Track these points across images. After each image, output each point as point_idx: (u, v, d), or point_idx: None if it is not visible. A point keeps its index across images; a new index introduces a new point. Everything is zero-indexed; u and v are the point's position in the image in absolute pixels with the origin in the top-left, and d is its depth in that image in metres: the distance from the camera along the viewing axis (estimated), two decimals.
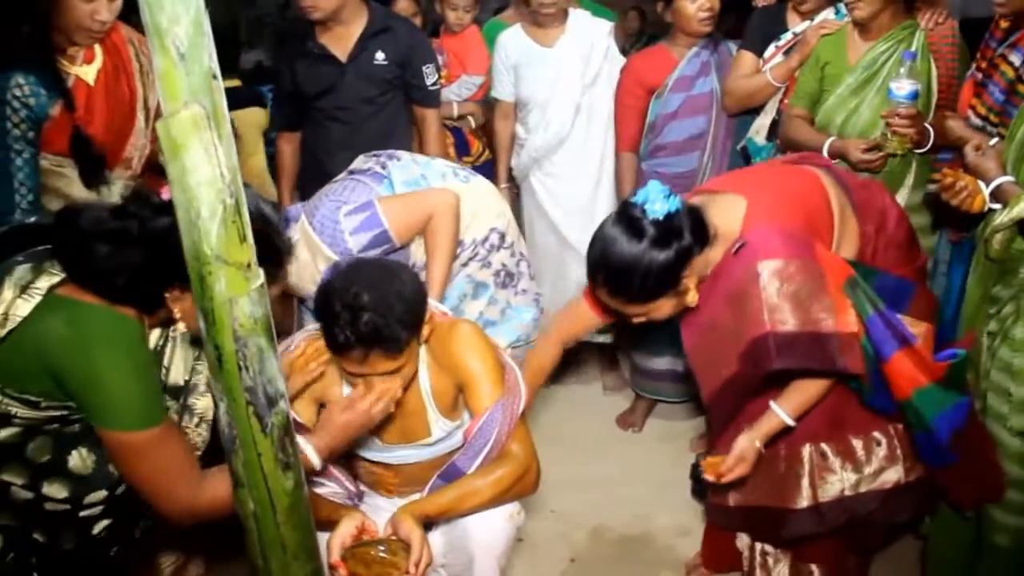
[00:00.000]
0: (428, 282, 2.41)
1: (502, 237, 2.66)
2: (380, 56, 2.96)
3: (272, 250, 1.62)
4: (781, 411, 1.97)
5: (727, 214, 1.92)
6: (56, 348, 1.46)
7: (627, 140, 3.10)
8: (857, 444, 2.07)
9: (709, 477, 1.99)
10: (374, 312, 1.71)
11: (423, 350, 1.97)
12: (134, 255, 1.50)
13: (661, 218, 1.81)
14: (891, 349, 1.87)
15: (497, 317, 2.70)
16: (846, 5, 2.54)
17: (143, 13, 0.89)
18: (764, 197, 1.94)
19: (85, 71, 2.36)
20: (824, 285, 1.82)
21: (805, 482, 2.08)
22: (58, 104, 2.28)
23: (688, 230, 1.84)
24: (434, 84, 3.10)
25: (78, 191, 2.38)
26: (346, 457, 2.11)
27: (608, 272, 1.88)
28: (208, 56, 0.91)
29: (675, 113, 3.03)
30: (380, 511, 2.01)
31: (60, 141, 2.31)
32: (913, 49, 2.46)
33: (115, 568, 1.77)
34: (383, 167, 2.54)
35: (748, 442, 1.97)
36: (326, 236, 2.34)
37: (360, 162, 2.62)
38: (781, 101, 2.86)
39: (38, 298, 1.49)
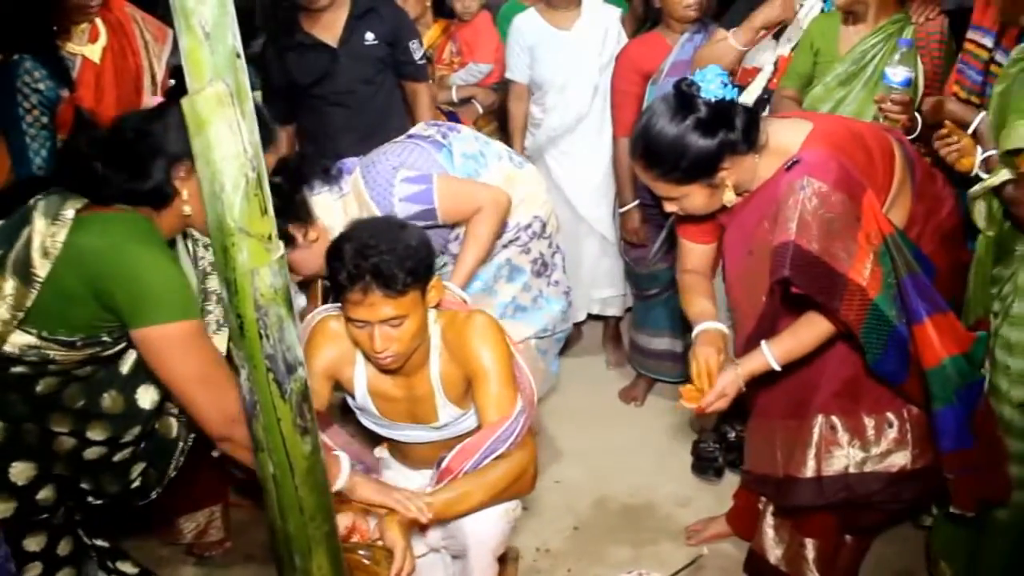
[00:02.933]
0: (455, 269, 2.46)
1: (543, 226, 2.70)
2: (370, 36, 2.97)
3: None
4: (769, 352, 1.96)
5: (789, 132, 1.93)
6: (94, 259, 1.54)
7: (624, 125, 3.10)
8: (869, 423, 2.07)
9: (689, 406, 2.00)
10: (375, 249, 1.78)
11: (437, 336, 1.99)
12: (134, 150, 1.59)
13: (713, 100, 1.83)
14: (924, 312, 1.87)
15: (528, 304, 2.72)
16: None
17: None
18: (832, 127, 1.96)
19: (91, 50, 2.41)
20: (855, 230, 1.83)
21: (811, 452, 2.09)
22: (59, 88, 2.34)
23: (739, 123, 1.85)
24: (421, 58, 3.13)
25: None
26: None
27: (647, 143, 1.89)
28: (232, 35, 0.95)
29: None
30: (409, 483, 2.07)
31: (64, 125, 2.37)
32: (911, 40, 2.47)
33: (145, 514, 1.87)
34: (444, 137, 2.57)
35: (732, 378, 1.97)
36: (376, 194, 2.36)
37: (421, 128, 2.65)
38: (770, 80, 2.87)
39: (69, 223, 1.55)
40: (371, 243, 1.79)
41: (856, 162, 1.89)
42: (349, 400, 2.13)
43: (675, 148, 1.85)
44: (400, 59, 3.07)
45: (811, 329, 1.95)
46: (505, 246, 2.64)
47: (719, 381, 1.97)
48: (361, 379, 2.02)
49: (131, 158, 1.60)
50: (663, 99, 1.92)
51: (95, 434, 1.72)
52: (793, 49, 2.78)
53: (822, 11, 2.73)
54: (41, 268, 1.53)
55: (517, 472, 1.98)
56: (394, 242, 1.81)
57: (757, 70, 2.78)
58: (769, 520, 2.33)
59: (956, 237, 2.14)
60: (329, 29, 2.96)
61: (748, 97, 2.91)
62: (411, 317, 1.85)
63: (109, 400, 1.71)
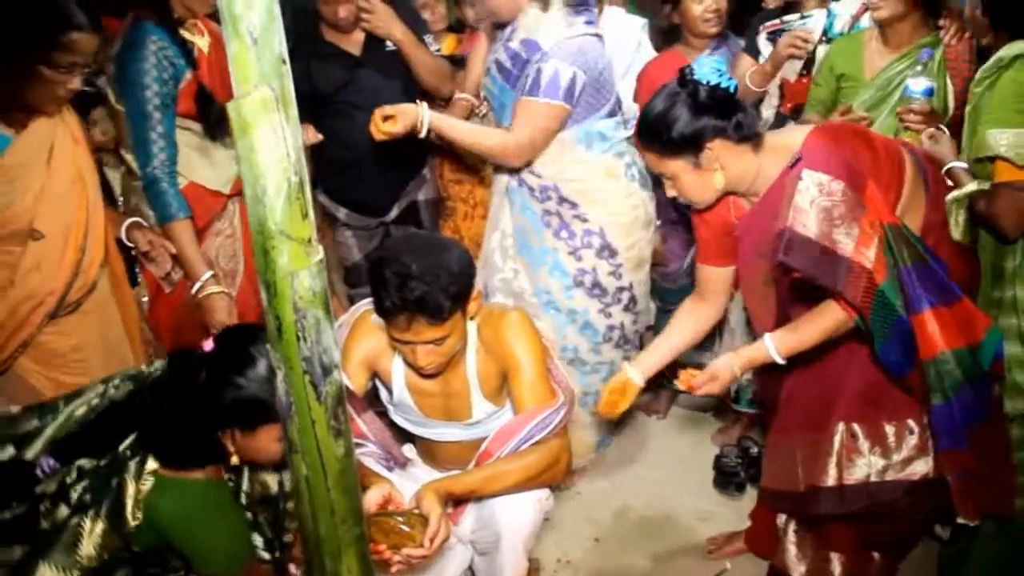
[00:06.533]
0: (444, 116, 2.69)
1: (613, 253, 2.75)
2: (390, 43, 2.98)
3: None
4: (771, 344, 1.99)
5: (792, 134, 2.01)
6: (170, 526, 1.73)
7: None
8: (889, 430, 2.08)
9: (682, 386, 2.09)
10: (420, 280, 1.78)
11: (473, 333, 2.02)
12: (189, 418, 1.70)
13: (706, 83, 1.93)
14: (927, 303, 1.88)
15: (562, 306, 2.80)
16: (870, 2, 2.53)
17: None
18: (837, 128, 2.03)
19: (201, 41, 2.47)
20: (859, 216, 1.85)
21: (833, 460, 2.10)
22: (188, 68, 2.39)
23: (729, 110, 1.95)
24: (437, 50, 3.17)
25: (202, 147, 2.51)
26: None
27: (643, 116, 2.04)
28: (279, 42, 0.96)
29: None
30: (419, 483, 2.07)
31: (185, 103, 2.42)
32: (931, 51, 2.47)
33: None
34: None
35: (726, 364, 2.04)
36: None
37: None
38: (779, 105, 2.88)
39: (151, 482, 1.72)
40: (414, 272, 1.79)
41: (859, 156, 1.92)
42: (384, 396, 2.16)
43: (663, 119, 1.97)
44: None
45: (815, 322, 1.96)
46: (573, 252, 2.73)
47: (711, 365, 2.06)
48: (399, 373, 2.06)
49: (188, 425, 1.71)
50: (667, 84, 2.04)
51: None
52: (801, 74, 2.79)
53: (840, 34, 2.73)
54: (130, 522, 1.70)
55: (552, 458, 2.01)
56: (437, 268, 1.81)
57: (801, 82, 2.79)
58: (791, 536, 2.32)
59: (968, 248, 2.15)
60: (350, 38, 2.99)
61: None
62: (454, 334, 1.88)
63: None
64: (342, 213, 3.18)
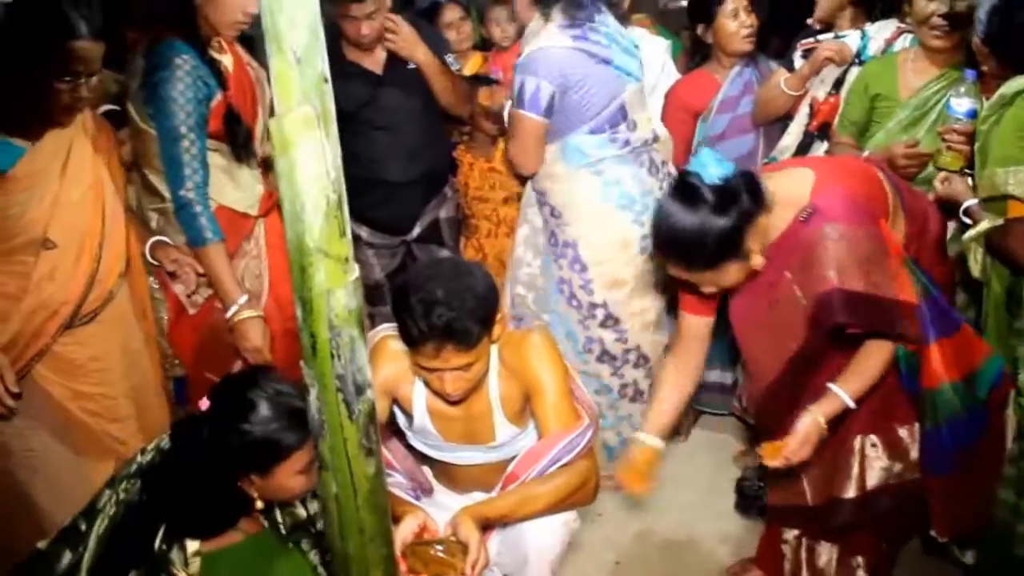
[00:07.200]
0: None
1: (584, 268, 2.83)
2: (412, 62, 3.00)
3: None
4: (843, 392, 1.96)
5: (794, 183, 1.98)
6: None
7: (674, 163, 3.12)
8: (903, 433, 2.11)
9: (774, 463, 1.97)
10: (447, 306, 1.76)
11: (494, 355, 2.01)
12: (206, 479, 1.68)
13: (718, 183, 1.86)
14: (932, 335, 1.92)
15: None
16: (928, 30, 2.49)
17: (263, 17, 0.94)
18: (831, 169, 2.02)
19: (226, 60, 2.45)
20: (887, 254, 1.88)
21: (855, 471, 2.11)
22: (218, 88, 2.37)
23: (745, 193, 1.89)
24: (458, 70, 3.19)
25: (228, 169, 2.47)
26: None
27: (673, 243, 1.94)
28: (321, 60, 0.97)
29: (723, 134, 3.05)
30: (443, 509, 2.06)
31: (215, 123, 2.38)
32: (974, 72, 2.46)
33: None
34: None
35: (812, 421, 1.95)
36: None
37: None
38: (807, 124, 2.87)
39: (197, 563, 1.70)
40: (440, 298, 1.78)
41: (865, 194, 1.96)
42: (402, 422, 2.15)
43: (699, 238, 1.88)
44: None
45: (874, 362, 1.97)
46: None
47: (799, 428, 1.96)
48: (420, 398, 2.04)
49: (201, 492, 1.70)
50: (670, 195, 1.95)
51: None
52: (830, 93, 2.78)
53: (873, 57, 2.73)
54: None
55: (581, 480, 2.00)
56: (463, 293, 1.80)
57: (829, 102, 2.78)
58: (803, 554, 2.33)
59: (944, 248, 2.23)
60: (372, 57, 3.00)
61: (787, 140, 2.92)
62: (480, 359, 1.88)
63: None
64: (364, 232, 3.18)
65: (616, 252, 2.79)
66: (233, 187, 2.46)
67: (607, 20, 2.75)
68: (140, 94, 2.34)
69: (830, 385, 1.99)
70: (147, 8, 2.47)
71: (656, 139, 2.86)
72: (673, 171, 2.85)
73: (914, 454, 2.10)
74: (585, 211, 2.77)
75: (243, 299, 2.36)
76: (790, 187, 1.97)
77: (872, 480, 2.11)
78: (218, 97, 2.36)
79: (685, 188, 1.90)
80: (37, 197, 2.08)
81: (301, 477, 1.69)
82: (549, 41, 2.65)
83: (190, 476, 1.68)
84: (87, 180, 2.17)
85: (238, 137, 2.42)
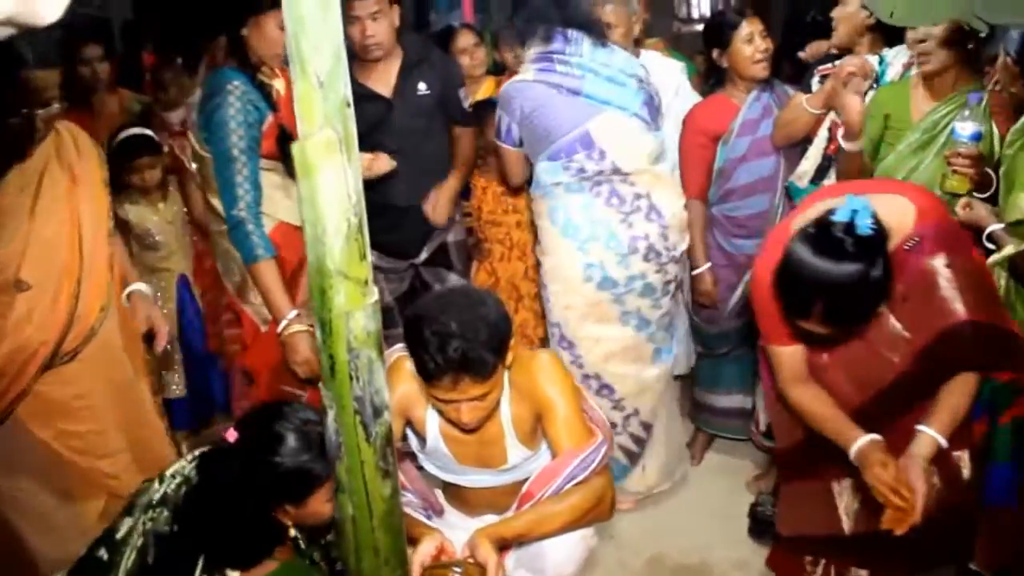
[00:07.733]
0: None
1: (544, 286, 2.92)
2: (422, 86, 3.02)
3: None
4: (936, 434, 1.90)
5: (896, 212, 1.89)
6: None
7: (694, 187, 3.11)
8: (956, 456, 2.03)
9: (902, 530, 1.87)
10: (462, 338, 1.75)
11: (505, 378, 2.01)
12: (242, 512, 1.68)
13: (869, 232, 1.76)
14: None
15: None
16: (916, 56, 2.52)
17: (288, 42, 0.96)
18: (923, 196, 1.95)
19: (278, 83, 2.52)
20: (994, 287, 1.89)
21: None
22: (269, 110, 2.45)
23: (878, 235, 1.79)
24: (468, 106, 3.22)
25: (284, 185, 2.55)
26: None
27: (830, 300, 1.80)
28: (344, 85, 0.98)
29: (743, 156, 3.05)
30: (455, 528, 2.06)
31: (268, 144, 2.46)
32: (980, 95, 2.47)
33: None
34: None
35: (922, 474, 1.87)
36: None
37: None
38: (826, 147, 2.87)
39: None
40: (454, 331, 1.76)
41: (957, 223, 1.95)
42: (414, 444, 2.15)
43: (861, 293, 1.78)
44: (450, 106, 3.12)
45: (966, 396, 1.92)
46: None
47: (916, 487, 1.87)
48: (433, 421, 2.04)
49: (250, 528, 1.71)
50: (815, 256, 1.79)
51: None
52: None
53: (890, 83, 2.74)
54: None
55: (596, 497, 1.99)
56: (476, 323, 1.79)
57: None
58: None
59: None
60: (383, 80, 3.00)
61: (807, 164, 2.92)
62: (496, 387, 1.88)
63: None
64: (372, 255, 3.17)
65: (564, 275, 2.84)
66: (290, 203, 2.54)
67: (581, 50, 2.75)
68: (199, 121, 2.47)
69: (922, 428, 1.92)
70: (196, 36, 2.60)
71: (630, 172, 2.80)
72: (657, 204, 2.83)
73: (964, 478, 2.04)
74: (543, 234, 2.88)
75: (292, 314, 2.43)
76: (892, 217, 1.87)
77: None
78: (269, 119, 2.45)
79: (830, 243, 1.78)
80: (6, 237, 1.99)
81: (333, 502, 1.70)
82: (518, 75, 2.78)
83: (226, 509, 1.69)
84: (61, 215, 2.08)
85: (291, 155, 2.46)
